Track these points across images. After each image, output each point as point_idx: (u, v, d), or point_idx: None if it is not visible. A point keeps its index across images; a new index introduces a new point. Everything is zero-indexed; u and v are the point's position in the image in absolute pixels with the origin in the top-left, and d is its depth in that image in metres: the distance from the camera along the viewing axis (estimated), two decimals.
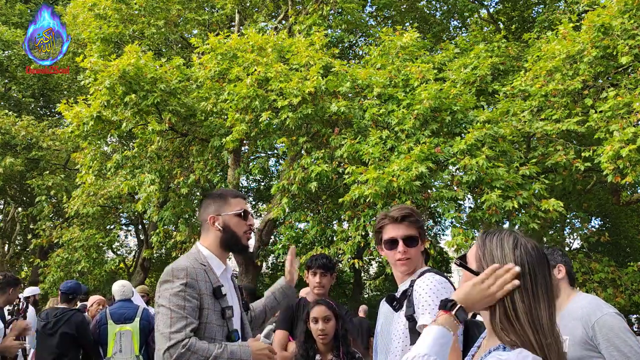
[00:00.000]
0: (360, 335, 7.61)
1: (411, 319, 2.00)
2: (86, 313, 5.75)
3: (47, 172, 13.40)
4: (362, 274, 21.00)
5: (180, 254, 10.46)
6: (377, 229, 2.21)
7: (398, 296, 2.14)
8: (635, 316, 16.61)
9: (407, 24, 14.08)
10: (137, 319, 4.88)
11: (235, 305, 2.26)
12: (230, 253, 2.44)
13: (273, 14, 14.17)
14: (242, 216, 2.27)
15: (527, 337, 1.26)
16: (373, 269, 21.94)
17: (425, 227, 2.24)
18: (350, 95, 9.01)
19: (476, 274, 1.36)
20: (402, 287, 2.17)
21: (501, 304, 1.31)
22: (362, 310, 10.48)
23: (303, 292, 4.61)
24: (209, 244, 2.27)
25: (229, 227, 2.25)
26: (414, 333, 1.97)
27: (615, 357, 2.25)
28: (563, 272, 2.60)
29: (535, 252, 1.35)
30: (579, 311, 2.42)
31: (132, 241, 20.09)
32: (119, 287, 5.11)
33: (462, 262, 1.42)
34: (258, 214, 19.64)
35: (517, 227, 7.47)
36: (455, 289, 2.00)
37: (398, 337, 2.06)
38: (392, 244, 2.13)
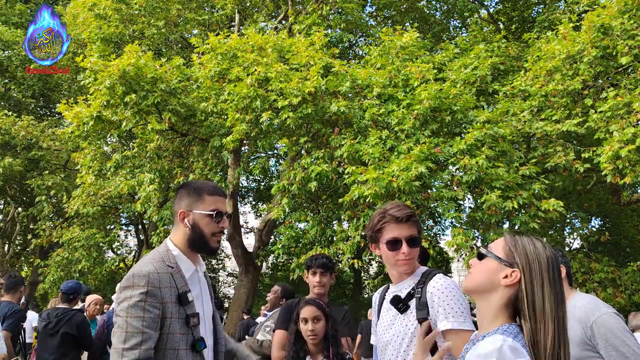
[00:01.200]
0: (368, 338, 7.62)
1: (424, 322, 1.97)
2: (84, 313, 5.76)
3: (47, 172, 13.41)
4: (362, 274, 21.00)
5: None
6: (378, 228, 2.14)
7: (403, 297, 2.09)
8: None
9: (407, 24, 14.08)
10: None
11: (206, 309, 2.14)
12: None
13: (273, 14, 14.18)
14: (214, 217, 2.08)
15: (545, 329, 1.37)
16: (373, 269, 21.94)
17: (421, 226, 2.21)
18: (350, 95, 9.02)
19: (507, 264, 1.47)
20: (401, 287, 2.14)
21: (525, 299, 1.42)
22: (370, 313, 10.48)
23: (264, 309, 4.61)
24: (178, 241, 2.09)
25: (198, 227, 2.07)
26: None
27: (613, 357, 2.25)
28: (564, 273, 2.61)
29: (555, 254, 1.50)
30: (577, 311, 2.42)
31: (132, 241, 20.11)
32: None
33: (490, 252, 1.53)
34: (258, 214, 19.68)
35: (517, 227, 7.47)
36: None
37: (407, 339, 2.02)
38: (395, 244, 2.08)
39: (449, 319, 1.90)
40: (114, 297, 6.21)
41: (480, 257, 1.54)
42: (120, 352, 1.82)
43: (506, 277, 1.45)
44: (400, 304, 2.07)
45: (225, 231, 2.21)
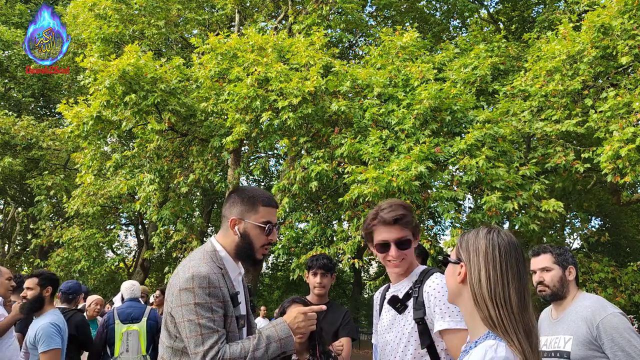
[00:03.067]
0: None
1: (421, 322, 1.95)
2: (84, 313, 5.75)
3: (47, 172, 13.41)
4: (362, 274, 21.01)
5: (180, 254, 10.51)
6: (368, 230, 2.11)
7: (401, 297, 2.08)
8: (633, 316, 16.61)
9: (407, 24, 14.08)
10: (145, 319, 4.89)
11: (247, 313, 2.19)
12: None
13: (273, 14, 14.17)
14: (265, 230, 2.08)
15: (488, 312, 1.33)
16: (373, 268, 21.96)
17: (418, 224, 2.17)
18: (350, 95, 9.01)
19: (455, 262, 1.46)
20: (400, 287, 2.13)
21: (471, 288, 1.39)
22: None
23: None
24: (226, 244, 2.09)
25: (248, 236, 2.07)
26: (425, 336, 1.94)
27: (619, 357, 2.24)
28: (574, 274, 2.59)
29: (507, 238, 1.43)
30: (583, 311, 2.42)
31: (132, 241, 20.11)
32: (129, 286, 5.14)
33: (444, 259, 1.52)
34: None
35: (516, 227, 7.48)
36: None
37: (404, 339, 2.01)
38: (384, 247, 2.05)
39: (445, 319, 1.88)
40: (115, 298, 6.20)
41: (444, 265, 1.54)
42: (202, 354, 1.82)
43: (459, 274, 1.45)
44: (398, 304, 2.06)
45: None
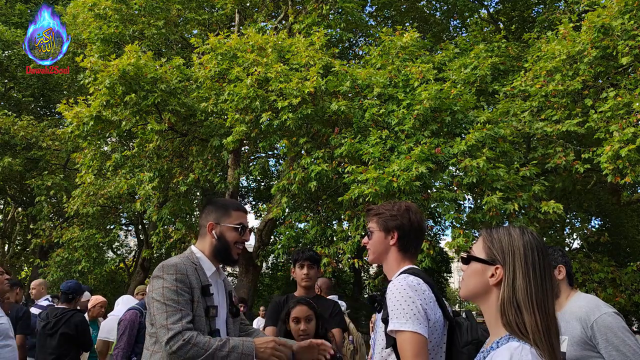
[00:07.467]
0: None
1: (386, 322, 1.95)
2: (86, 314, 5.73)
3: (47, 172, 13.41)
4: (362, 274, 21.01)
5: (180, 253, 10.55)
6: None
7: (379, 296, 2.13)
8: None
9: (407, 24, 14.07)
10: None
11: (222, 308, 2.32)
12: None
13: (273, 14, 14.17)
14: (238, 230, 2.36)
15: (520, 317, 1.30)
16: (373, 268, 21.94)
17: (394, 221, 2.19)
18: (350, 95, 9.01)
19: (488, 262, 1.41)
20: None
21: (503, 291, 1.36)
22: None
23: None
24: (203, 248, 2.36)
25: (224, 238, 2.34)
26: (389, 336, 1.94)
27: (614, 357, 2.25)
28: (563, 273, 2.59)
29: (539, 238, 1.41)
30: (578, 311, 2.42)
31: (132, 241, 20.10)
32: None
33: (470, 256, 1.47)
34: (258, 214, 19.68)
35: None
36: (432, 290, 1.98)
37: (380, 339, 2.04)
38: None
39: (392, 320, 1.90)
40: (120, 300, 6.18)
41: (465, 261, 1.48)
42: (165, 327, 2.02)
43: (492, 276, 1.40)
44: (375, 304, 2.11)
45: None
